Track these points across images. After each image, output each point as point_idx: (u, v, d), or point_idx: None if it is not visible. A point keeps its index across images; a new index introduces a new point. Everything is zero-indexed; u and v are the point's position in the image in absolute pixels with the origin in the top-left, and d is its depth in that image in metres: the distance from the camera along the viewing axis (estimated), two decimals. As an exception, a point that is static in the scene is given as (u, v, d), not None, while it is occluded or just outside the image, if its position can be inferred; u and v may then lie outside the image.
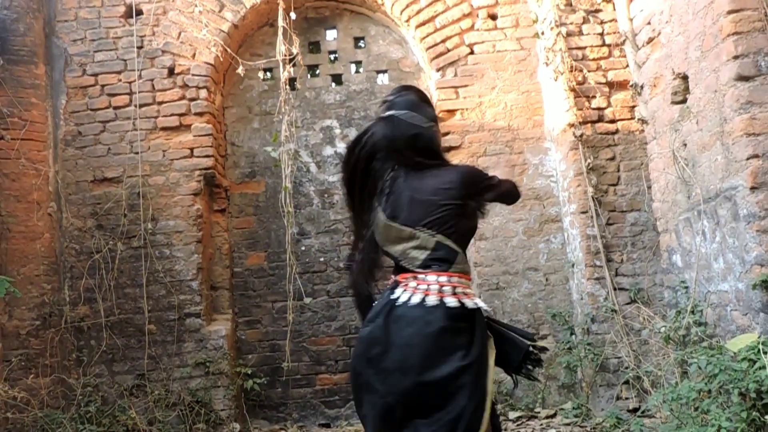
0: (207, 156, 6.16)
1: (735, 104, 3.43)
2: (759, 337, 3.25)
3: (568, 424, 5.48)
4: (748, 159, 3.36)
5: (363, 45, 7.07)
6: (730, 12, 3.43)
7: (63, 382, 5.59)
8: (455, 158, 6.25)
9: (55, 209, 5.90)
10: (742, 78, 3.40)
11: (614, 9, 5.75)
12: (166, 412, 5.60)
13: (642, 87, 4.59)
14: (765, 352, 3.07)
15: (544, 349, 2.91)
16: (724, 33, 3.47)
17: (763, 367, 2.96)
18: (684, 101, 4.03)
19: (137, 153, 6.09)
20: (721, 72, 3.53)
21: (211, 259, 6.35)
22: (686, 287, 4.10)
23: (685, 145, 4.01)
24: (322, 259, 6.64)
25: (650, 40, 4.37)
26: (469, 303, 2.68)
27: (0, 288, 2.87)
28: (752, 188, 3.33)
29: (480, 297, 5.79)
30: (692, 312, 3.96)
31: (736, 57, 3.43)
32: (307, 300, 6.41)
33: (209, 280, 6.30)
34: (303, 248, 6.62)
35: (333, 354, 6.53)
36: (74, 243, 6.00)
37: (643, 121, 4.65)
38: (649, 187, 4.98)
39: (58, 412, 4.67)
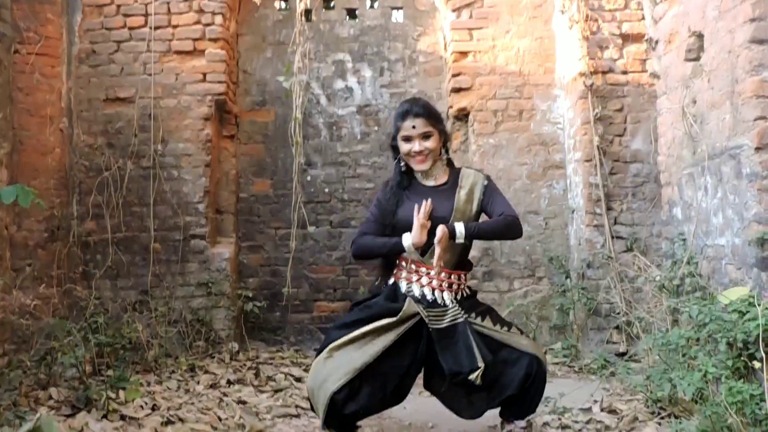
0: (219, 82, 6.19)
1: (748, 66, 3.50)
2: (750, 291, 3.40)
3: (557, 363, 5.68)
4: (755, 120, 3.45)
5: (380, -20, 7.07)
6: (752, -26, 3.49)
7: (69, 294, 5.74)
8: (465, 99, 6.34)
9: (66, 125, 5.96)
10: (757, 41, 3.48)
11: (634, -40, 5.77)
12: (168, 329, 5.75)
13: (657, 42, 4.65)
14: (755, 305, 3.22)
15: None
16: (744, -5, 3.54)
17: (753, 319, 3.11)
18: (697, 59, 4.11)
19: (150, 75, 6.13)
20: (737, 33, 3.60)
21: (218, 183, 6.45)
22: (684, 239, 4.24)
23: (695, 102, 4.09)
24: (326, 190, 6.75)
25: (669, -5, 4.42)
26: None
27: (25, 199, 2.96)
28: (757, 148, 3.43)
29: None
30: (688, 263, 4.10)
31: (752, 20, 3.49)
32: (311, 229, 6.54)
33: (215, 204, 6.41)
34: (309, 178, 6.73)
35: (332, 283, 6.69)
36: (84, 159, 6.08)
37: (655, 76, 4.72)
38: (655, 140, 5.07)
39: (66, 321, 4.81)
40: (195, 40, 6.17)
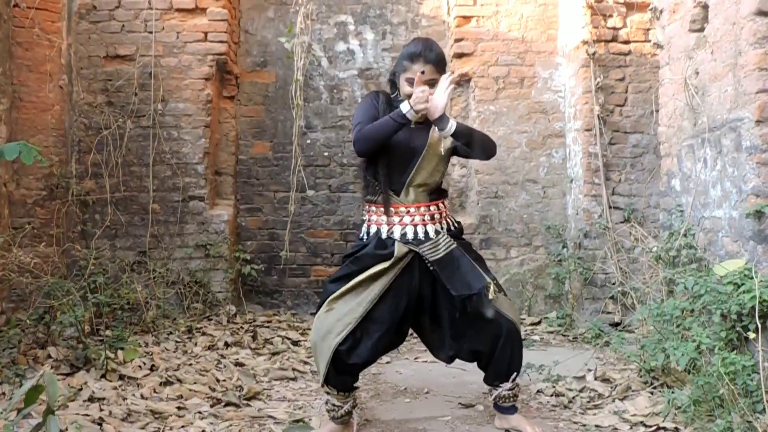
0: (221, 41, 6.15)
1: (752, 38, 3.48)
2: (746, 263, 3.41)
3: (551, 332, 5.73)
4: (757, 93, 3.44)
5: (383, -59, 6.99)
6: (760, -55, 3.46)
7: (67, 253, 5.76)
8: (467, 65, 6.32)
9: (66, 82, 5.92)
10: (762, 13, 3.44)
11: (641, -72, 5.71)
12: (165, 290, 5.78)
13: (661, 12, 4.61)
14: (750, 277, 3.23)
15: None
16: (751, -35, 3.50)
17: (747, 291, 3.13)
18: (701, 30, 4.08)
19: (151, 32, 6.08)
20: (742, 5, 3.57)
21: (217, 144, 6.44)
22: (681, 211, 4.25)
23: (698, 73, 4.07)
24: (326, 154, 6.74)
25: (676, -36, 4.38)
26: None
27: (28, 156, 2.95)
28: (758, 121, 3.42)
29: (478, 204, 5.97)
30: (685, 235, 4.11)
31: (759, -9, 3.47)
32: (310, 192, 6.54)
33: (214, 165, 6.40)
34: (308, 141, 6.71)
35: (330, 247, 6.70)
36: (83, 117, 6.05)
37: (658, 46, 4.69)
38: (656, 111, 5.06)
39: (65, 281, 4.83)
40: (196, -3, 6.12)
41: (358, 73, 6.79)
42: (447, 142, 3.43)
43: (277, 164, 6.69)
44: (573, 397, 3.93)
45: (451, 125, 3.27)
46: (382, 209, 3.41)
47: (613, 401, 3.81)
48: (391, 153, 3.36)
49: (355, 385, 3.44)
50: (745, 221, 3.48)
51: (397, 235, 3.35)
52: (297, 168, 6.28)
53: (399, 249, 3.31)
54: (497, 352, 3.40)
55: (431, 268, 3.34)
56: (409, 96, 3.28)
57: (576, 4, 5.91)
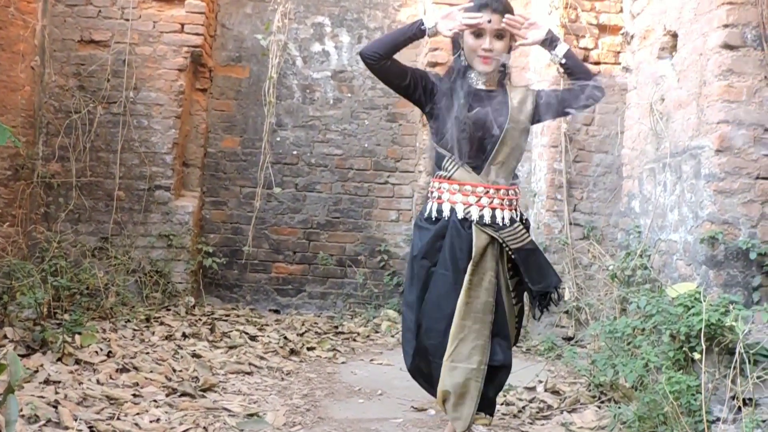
0: (197, 34, 6.16)
1: (717, 70, 3.61)
2: (697, 287, 3.53)
3: (505, 342, 5.81)
4: (718, 123, 3.57)
5: (365, -54, 7.06)
6: (729, -18, 3.60)
7: (29, 234, 5.73)
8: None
9: (38, 64, 5.89)
10: (728, 46, 3.58)
11: (618, -46, 5.85)
12: (126, 278, 5.77)
13: (632, 37, 4.74)
14: (700, 301, 3.35)
15: None
16: (720, 1, 3.63)
17: (696, 314, 3.24)
18: (669, 58, 4.21)
19: (128, 20, 6.07)
20: (710, 37, 3.70)
21: (186, 136, 6.45)
22: (639, 232, 4.37)
23: (663, 99, 4.20)
24: (295, 152, 6.78)
25: (649, -8, 4.51)
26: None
27: (1, 137, 2.96)
28: (717, 151, 3.56)
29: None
30: (641, 255, 4.23)
31: (725, 26, 3.59)
32: (277, 190, 6.57)
33: (183, 157, 6.41)
34: (278, 139, 6.75)
35: (292, 245, 6.74)
36: (54, 100, 6.02)
37: (627, 70, 4.83)
38: (621, 133, 5.19)
39: (27, 262, 4.82)
40: (176, -12, 6.12)
41: (331, 74, 6.85)
42: (527, 110, 3.07)
43: (246, 159, 6.71)
44: (523, 407, 4.01)
45: (561, 49, 2.99)
46: (457, 186, 3.00)
47: (561, 413, 3.90)
48: (468, 124, 2.97)
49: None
50: (699, 246, 3.61)
51: (474, 216, 2.96)
52: (265, 164, 6.31)
53: (478, 240, 2.95)
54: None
55: (512, 256, 3.00)
56: (473, 50, 2.98)
57: (550, 22, 6.02)
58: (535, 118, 3.10)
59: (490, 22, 2.91)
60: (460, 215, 2.97)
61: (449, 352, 2.88)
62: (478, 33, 2.96)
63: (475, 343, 2.88)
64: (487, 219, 2.96)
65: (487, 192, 2.98)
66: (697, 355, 3.17)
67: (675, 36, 4.16)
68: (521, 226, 3.03)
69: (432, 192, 3.10)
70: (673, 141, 4.02)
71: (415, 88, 3.04)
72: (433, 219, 3.04)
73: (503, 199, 3.00)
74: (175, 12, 6.13)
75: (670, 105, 4.11)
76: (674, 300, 3.52)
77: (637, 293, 3.93)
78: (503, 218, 2.98)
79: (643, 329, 3.80)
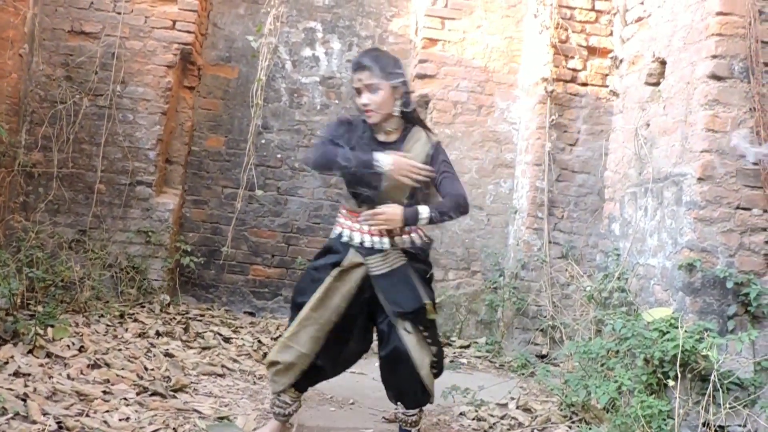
0: (188, 32, 6.14)
1: (702, 99, 3.65)
2: (673, 313, 3.56)
3: (479, 357, 5.84)
4: (702, 152, 3.61)
5: (360, -46, 7.08)
6: (718, 14, 3.63)
7: (5, 223, 5.68)
8: (428, 87, 6.42)
9: (27, 51, 5.85)
10: (715, 77, 3.62)
11: (611, -22, 5.90)
12: (101, 272, 5.73)
13: (621, 61, 4.78)
14: (676, 327, 3.38)
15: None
16: (709, 32, 3.67)
17: (671, 340, 3.27)
18: (657, 84, 4.25)
19: (119, 13, 6.04)
20: (698, 67, 3.74)
21: (171, 132, 6.41)
22: (618, 255, 4.40)
23: (648, 125, 4.24)
24: (279, 156, 6.77)
25: (639, 19, 4.54)
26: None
27: (-14, 125, 2.94)
28: (699, 179, 3.59)
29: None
30: (618, 278, 4.26)
31: (714, 56, 3.64)
32: (259, 192, 6.54)
33: (166, 153, 6.37)
34: (263, 141, 6.73)
35: (271, 248, 6.73)
36: (40, 89, 5.97)
37: (615, 93, 4.86)
38: (605, 155, 5.23)
39: (2, 251, 4.77)
40: (169, -15, 6.11)
41: (320, 80, 6.85)
42: (418, 161, 3.33)
43: (229, 160, 6.69)
44: (494, 423, 4.03)
45: (423, 218, 3.24)
46: (346, 213, 3.47)
47: (532, 431, 3.92)
48: (359, 175, 3.32)
49: (309, 387, 3.52)
50: (677, 272, 3.63)
51: (355, 241, 3.37)
52: (249, 166, 6.30)
53: (352, 257, 3.35)
54: (388, 376, 3.46)
55: (372, 280, 3.34)
56: (362, 107, 3.36)
57: (540, 42, 6.07)
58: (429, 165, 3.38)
59: (360, 80, 3.31)
60: (345, 238, 3.41)
61: (290, 333, 3.34)
62: (358, 91, 3.36)
63: (314, 335, 3.31)
64: (367, 244, 3.34)
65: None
66: (671, 381, 3.20)
67: (663, 63, 4.20)
68: (398, 253, 3.34)
69: (338, 216, 3.57)
70: (656, 167, 4.06)
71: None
72: (333, 237, 3.53)
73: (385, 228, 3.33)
74: (167, 8, 6.11)
75: (655, 131, 4.14)
76: (650, 324, 3.56)
77: (613, 315, 3.96)
78: (381, 243, 3.32)
79: (617, 352, 3.83)
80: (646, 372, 3.48)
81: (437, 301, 6.08)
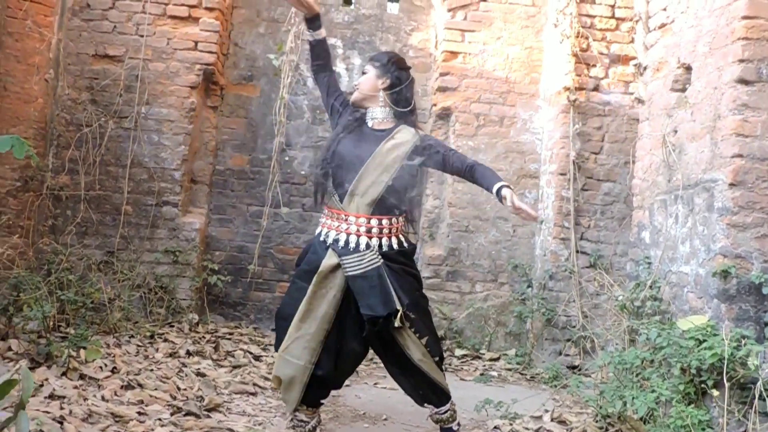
0: (210, 52, 6.19)
1: (731, 104, 3.62)
2: (709, 320, 3.53)
3: (509, 369, 5.80)
4: (732, 157, 3.57)
5: (379, -30, 7.12)
6: (744, 17, 3.60)
7: (35, 246, 5.72)
8: (449, 99, 6.42)
9: (52, 76, 5.91)
10: (743, 81, 3.59)
11: (631, -15, 5.89)
12: (130, 293, 5.76)
13: (645, 68, 4.75)
14: (714, 335, 3.34)
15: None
16: (735, 36, 3.64)
17: (709, 348, 3.24)
18: (683, 90, 4.22)
19: (142, 36, 6.10)
20: (725, 71, 3.71)
21: (196, 152, 6.45)
22: (649, 263, 4.36)
23: (676, 131, 4.21)
24: (303, 172, 6.79)
25: (662, 25, 4.52)
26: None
27: (19, 150, 2.95)
28: (731, 184, 3.56)
29: (448, 236, 6.05)
30: (650, 287, 4.22)
31: (741, 60, 3.61)
32: (284, 209, 6.56)
33: (191, 173, 6.41)
34: (287, 158, 6.76)
35: (297, 265, 6.72)
36: (65, 113, 6.04)
37: (639, 101, 4.84)
38: (632, 162, 5.20)
39: (34, 274, 4.82)
40: (191, 6, 6.16)
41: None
42: (400, 153, 3.51)
43: (253, 178, 6.72)
44: (529, 436, 4.00)
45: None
46: (327, 212, 3.58)
47: (569, 443, 3.89)
48: (339, 159, 3.50)
49: (321, 401, 3.53)
50: (711, 279, 3.60)
51: (330, 239, 3.45)
52: (273, 184, 6.32)
53: (328, 259, 3.42)
54: (398, 378, 3.61)
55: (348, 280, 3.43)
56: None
57: (561, 51, 6.05)
58: (420, 160, 3.54)
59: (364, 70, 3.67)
60: (321, 237, 3.51)
61: (284, 346, 3.42)
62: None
63: (308, 345, 3.37)
64: (341, 243, 3.42)
65: (347, 219, 3.43)
66: (714, 391, 3.16)
67: (689, 69, 4.17)
68: (374, 252, 3.41)
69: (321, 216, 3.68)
70: (686, 173, 4.03)
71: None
72: (314, 237, 3.65)
73: (361, 226, 3.42)
74: (189, 29, 6.17)
75: (683, 137, 4.11)
76: (685, 333, 3.52)
77: (647, 324, 3.92)
78: (357, 243, 3.41)
79: (652, 361, 3.79)
80: (683, 381, 3.44)
81: (470, 310, 6.15)
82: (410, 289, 3.49)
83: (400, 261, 3.52)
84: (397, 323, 3.32)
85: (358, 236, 3.42)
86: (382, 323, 3.34)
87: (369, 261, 3.39)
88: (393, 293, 3.36)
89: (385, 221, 3.48)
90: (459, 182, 6.32)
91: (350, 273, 3.37)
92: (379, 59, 3.64)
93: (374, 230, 3.45)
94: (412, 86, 3.70)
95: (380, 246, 3.46)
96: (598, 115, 6.01)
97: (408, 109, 3.63)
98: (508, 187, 3.37)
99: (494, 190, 3.38)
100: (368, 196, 3.45)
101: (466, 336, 6.26)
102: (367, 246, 3.41)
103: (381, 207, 3.49)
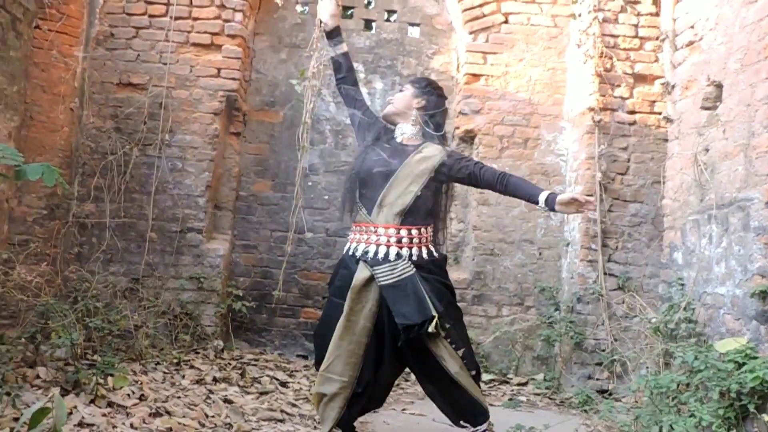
0: (233, 78, 6.22)
1: (766, 121, 3.57)
2: (748, 342, 3.45)
3: (538, 394, 5.72)
4: (768, 175, 3.53)
5: (400, -6, 7.14)
6: (778, 32, 3.57)
7: (60, 274, 5.73)
8: (473, 122, 6.39)
9: (77, 105, 5.96)
10: (778, 98, 3.56)
11: (653, 3, 5.86)
12: (156, 319, 5.75)
13: (673, 87, 4.72)
14: (752, 357, 3.27)
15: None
16: (767, 52, 3.61)
17: (750, 371, 3.16)
18: (714, 108, 4.18)
19: (165, 64, 6.14)
20: (758, 88, 3.67)
21: (219, 179, 6.46)
22: (683, 284, 4.30)
23: (707, 150, 4.16)
24: (326, 197, 6.77)
25: (690, 43, 4.49)
26: None
27: (50, 178, 2.97)
28: (767, 203, 3.50)
29: (473, 260, 6.00)
30: (684, 309, 4.15)
31: (775, 77, 3.57)
32: (308, 235, 6.55)
33: (215, 199, 6.41)
34: (310, 183, 6.75)
35: (322, 290, 6.68)
36: (90, 141, 6.07)
37: (668, 120, 4.80)
38: (662, 183, 5.14)
39: (61, 301, 4.82)
40: (213, 34, 6.20)
41: (364, 120, 6.85)
42: (427, 166, 3.52)
43: (277, 204, 6.71)
44: (563, 462, 3.92)
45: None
46: (356, 227, 3.58)
47: (604, 469, 3.81)
48: (368, 171, 3.53)
49: (354, 424, 3.51)
50: (748, 300, 3.53)
51: (360, 252, 3.45)
52: (297, 209, 6.29)
53: (360, 272, 3.42)
54: (435, 395, 3.55)
55: (381, 290, 3.40)
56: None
57: (585, 71, 6.02)
58: (440, 176, 3.57)
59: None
60: (351, 252, 3.52)
61: (326, 365, 3.42)
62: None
63: (349, 361, 3.37)
64: (371, 254, 3.42)
65: (376, 231, 3.44)
66: (766, 417, 3.08)
67: (719, 86, 4.13)
68: (405, 262, 3.39)
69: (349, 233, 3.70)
70: (719, 192, 3.97)
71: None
72: (344, 253, 3.65)
73: (391, 236, 3.42)
74: (212, 57, 6.20)
75: (715, 156, 4.06)
76: (724, 355, 3.45)
77: (684, 347, 3.85)
78: (387, 254, 3.40)
79: (688, 384, 3.72)
80: (722, 405, 3.36)
81: (497, 334, 6.08)
82: (444, 299, 3.46)
83: (433, 270, 3.51)
84: (431, 329, 3.28)
85: (388, 246, 3.42)
86: (416, 331, 3.30)
87: (402, 270, 3.37)
88: (428, 300, 3.33)
89: (414, 231, 3.48)
90: (483, 205, 6.28)
91: (383, 282, 3.36)
92: (418, 81, 3.74)
93: (404, 240, 3.45)
94: (446, 114, 3.74)
95: (411, 256, 3.44)
96: (623, 135, 5.95)
97: (439, 133, 3.66)
98: (552, 192, 3.36)
99: (542, 199, 3.33)
100: (396, 206, 3.47)
101: (493, 361, 6.19)
102: (398, 255, 3.40)
103: (409, 217, 3.49)
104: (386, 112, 3.73)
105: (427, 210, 3.55)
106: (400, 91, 3.75)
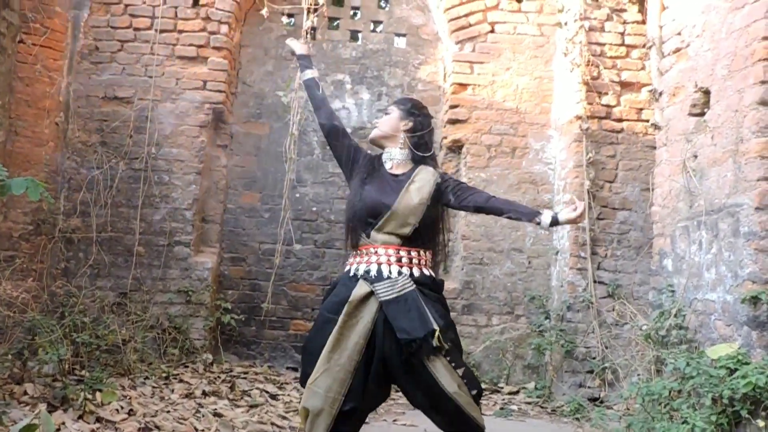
0: (219, 91, 6.21)
1: (754, 126, 3.58)
2: (739, 348, 3.45)
3: (529, 403, 5.70)
4: (758, 180, 3.52)
5: (385, 6, 7.14)
6: (765, 38, 3.57)
7: (47, 289, 5.68)
8: (460, 132, 6.39)
9: (62, 120, 5.93)
10: (765, 103, 3.56)
11: (639, 11, 5.89)
12: (143, 334, 5.70)
13: (661, 94, 4.73)
14: (744, 363, 3.26)
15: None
16: (756, 57, 3.61)
17: (743, 377, 3.15)
18: (701, 114, 4.18)
19: (151, 77, 6.12)
20: (746, 94, 3.68)
21: (206, 191, 6.42)
22: (673, 291, 4.29)
23: (696, 156, 4.16)
24: (314, 209, 6.75)
25: (677, 50, 4.50)
26: None
27: (34, 192, 2.93)
28: (758, 208, 3.50)
29: (463, 270, 5.99)
30: (675, 315, 4.15)
31: (763, 82, 3.57)
32: (297, 246, 6.52)
33: (202, 212, 6.38)
34: (297, 195, 6.72)
35: (311, 302, 6.66)
36: (76, 155, 6.04)
37: (656, 127, 4.80)
38: (651, 190, 5.14)
39: (48, 317, 4.77)
40: (199, 46, 6.20)
41: (351, 131, 6.80)
42: (424, 192, 3.44)
43: (265, 216, 6.68)
44: (557, 471, 3.90)
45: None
46: (355, 252, 3.48)
47: (597, 477, 3.79)
48: (363, 210, 3.43)
49: None
50: (739, 306, 3.53)
51: (361, 271, 3.36)
52: (285, 221, 6.27)
53: (358, 289, 3.32)
54: (431, 415, 3.42)
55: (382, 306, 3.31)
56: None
57: (572, 79, 6.04)
58: (440, 199, 3.45)
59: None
60: (351, 273, 3.36)
61: (313, 378, 3.27)
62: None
63: (337, 376, 3.24)
64: (373, 273, 3.31)
65: (376, 251, 3.36)
66: (761, 422, 3.07)
67: (707, 93, 4.14)
68: (406, 278, 3.30)
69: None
70: (708, 198, 3.97)
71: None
72: (341, 275, 3.50)
73: (391, 256, 3.34)
74: (197, 69, 6.19)
75: (704, 162, 4.07)
76: (716, 362, 3.44)
77: (675, 354, 3.84)
78: (389, 272, 3.31)
79: (679, 391, 3.70)
80: (715, 412, 3.35)
81: (487, 344, 6.06)
82: (443, 317, 3.42)
83: (433, 289, 3.47)
84: (435, 343, 3.24)
85: (389, 265, 3.34)
86: (418, 345, 3.27)
87: (402, 285, 3.31)
88: (428, 314, 3.30)
89: (413, 252, 3.43)
90: (472, 215, 6.27)
91: (384, 298, 3.28)
92: (403, 103, 3.62)
93: (404, 260, 3.36)
94: (433, 134, 3.68)
95: (411, 275, 3.41)
96: (611, 143, 5.97)
97: (427, 155, 3.58)
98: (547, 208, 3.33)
99: (543, 220, 3.30)
100: (395, 237, 3.41)
101: (483, 370, 6.17)
102: (399, 273, 3.32)
103: (409, 242, 3.42)
104: (373, 136, 3.60)
105: (427, 237, 3.51)
106: (386, 114, 3.62)
